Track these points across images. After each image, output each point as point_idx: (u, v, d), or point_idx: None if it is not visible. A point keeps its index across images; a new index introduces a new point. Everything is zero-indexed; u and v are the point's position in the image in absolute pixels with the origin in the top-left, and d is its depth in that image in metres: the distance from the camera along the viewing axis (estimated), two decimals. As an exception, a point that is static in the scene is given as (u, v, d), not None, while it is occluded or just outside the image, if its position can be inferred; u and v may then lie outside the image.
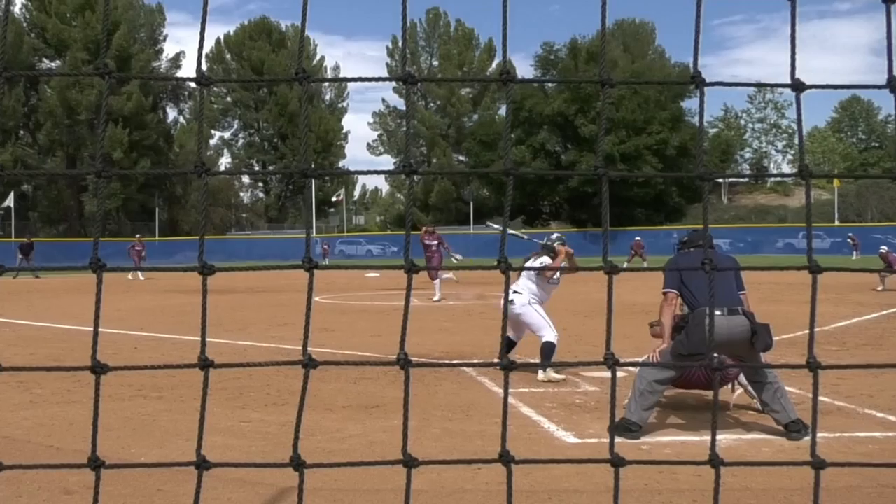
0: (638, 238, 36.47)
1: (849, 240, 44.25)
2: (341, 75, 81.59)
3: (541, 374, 8.18)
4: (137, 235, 35.90)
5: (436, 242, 20.33)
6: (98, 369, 1.28)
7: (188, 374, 8.16)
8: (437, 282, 19.10)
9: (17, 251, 34.46)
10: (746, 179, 79.01)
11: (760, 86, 1.43)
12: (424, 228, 21.40)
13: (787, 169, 80.00)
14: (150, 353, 10.44)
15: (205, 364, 1.28)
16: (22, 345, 11.35)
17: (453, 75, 72.78)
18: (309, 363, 1.28)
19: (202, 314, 1.31)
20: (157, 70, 66.40)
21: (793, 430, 5.73)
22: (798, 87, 1.30)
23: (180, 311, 16.80)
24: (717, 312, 5.82)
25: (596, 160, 1.26)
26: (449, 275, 23.22)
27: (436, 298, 18.59)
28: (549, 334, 8.45)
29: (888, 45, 1.31)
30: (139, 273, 31.73)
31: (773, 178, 79.16)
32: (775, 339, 11.31)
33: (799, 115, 1.34)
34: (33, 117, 65.35)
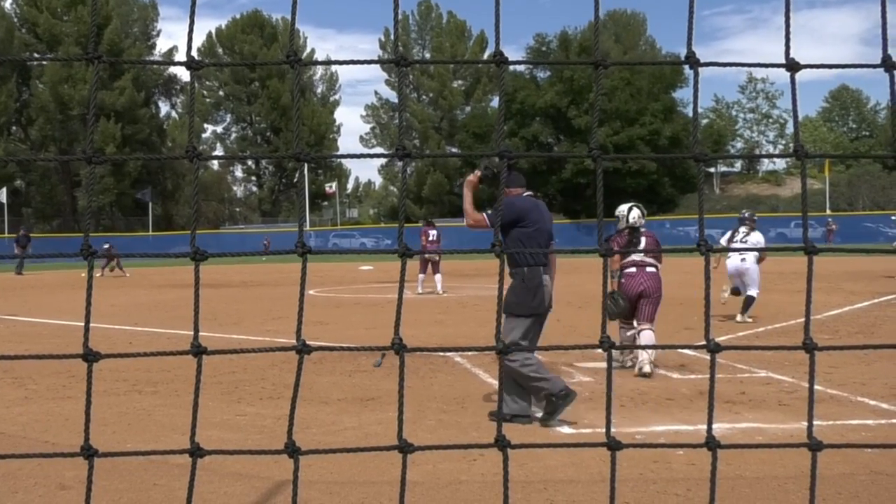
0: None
1: (826, 226, 43.64)
2: (333, 68, 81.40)
3: (739, 318, 12.03)
4: (106, 245, 33.42)
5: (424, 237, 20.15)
6: (90, 357, 1.28)
7: (183, 369, 8.16)
8: (421, 276, 18.99)
9: (15, 245, 33.91)
10: (739, 168, 79.03)
11: (755, 66, 1.42)
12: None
13: (777, 159, 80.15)
14: (144, 348, 10.40)
15: (198, 351, 1.27)
16: (16, 340, 11.31)
17: (445, 67, 72.68)
18: (303, 349, 1.28)
19: (195, 300, 1.30)
20: (150, 66, 66.23)
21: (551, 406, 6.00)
22: (793, 66, 1.30)
23: (174, 305, 16.77)
24: (546, 273, 6.03)
25: (591, 142, 1.25)
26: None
27: (419, 292, 18.53)
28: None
29: (882, 24, 1.31)
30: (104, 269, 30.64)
31: (765, 169, 79.23)
32: (768, 327, 11.43)
33: (794, 95, 1.34)
34: (25, 113, 65.13)
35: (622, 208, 8.58)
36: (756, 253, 11.89)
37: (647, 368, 7.75)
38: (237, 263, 39.48)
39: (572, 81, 58.32)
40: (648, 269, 8.24)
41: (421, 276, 19.01)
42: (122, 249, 33.91)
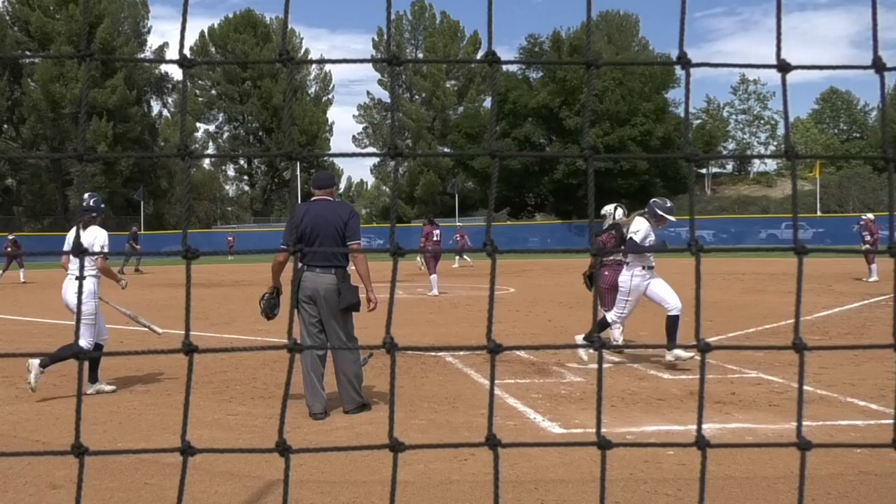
0: (461, 225, 32.36)
1: (862, 226, 41.64)
2: (326, 68, 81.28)
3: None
4: (11, 236, 28.42)
5: (424, 236, 19.77)
6: (81, 355, 1.27)
7: (174, 368, 8.15)
8: (433, 277, 18.51)
9: (127, 241, 32.60)
10: (731, 169, 79.23)
11: (747, 66, 1.43)
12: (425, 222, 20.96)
13: (768, 160, 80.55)
14: (136, 347, 10.39)
15: (189, 349, 1.27)
16: (7, 340, 11.28)
17: (438, 68, 72.63)
18: (294, 348, 1.28)
19: (186, 299, 1.30)
20: (141, 64, 65.99)
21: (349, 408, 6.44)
22: (784, 67, 1.31)
23: (166, 305, 16.72)
24: (311, 271, 6.49)
25: (582, 142, 1.26)
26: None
27: (432, 293, 18.19)
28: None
29: (873, 26, 1.31)
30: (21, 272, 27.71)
31: (756, 170, 79.49)
32: (759, 328, 11.46)
33: (784, 96, 1.34)
34: (17, 111, 64.82)
35: (608, 208, 9.76)
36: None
37: (619, 339, 8.96)
38: (228, 263, 39.43)
39: (564, 82, 58.34)
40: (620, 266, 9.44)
41: (433, 276, 18.49)
42: (114, 248, 33.32)
